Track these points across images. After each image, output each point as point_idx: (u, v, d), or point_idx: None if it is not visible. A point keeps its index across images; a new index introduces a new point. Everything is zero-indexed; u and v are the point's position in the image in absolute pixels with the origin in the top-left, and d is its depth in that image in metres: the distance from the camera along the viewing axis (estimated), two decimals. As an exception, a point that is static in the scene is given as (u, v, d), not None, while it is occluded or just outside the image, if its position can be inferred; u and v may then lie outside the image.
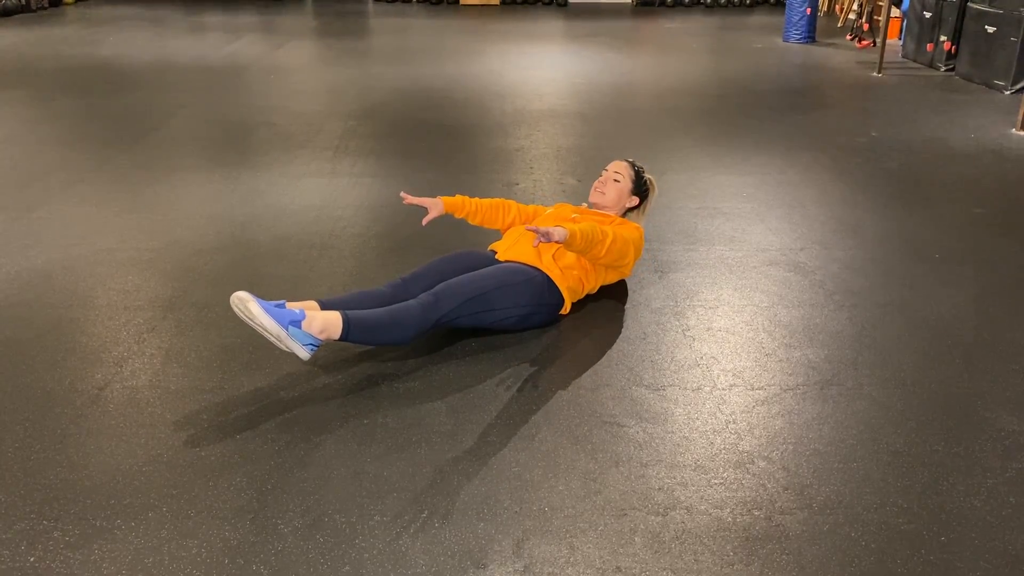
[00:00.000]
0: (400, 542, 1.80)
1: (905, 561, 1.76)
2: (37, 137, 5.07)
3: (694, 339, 2.69)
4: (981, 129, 5.43)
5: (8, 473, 2.02)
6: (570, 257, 2.77)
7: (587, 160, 4.67)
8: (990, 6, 6.68)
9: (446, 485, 1.98)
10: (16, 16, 10.57)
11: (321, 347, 2.47)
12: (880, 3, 8.77)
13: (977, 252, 3.41)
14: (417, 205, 2.92)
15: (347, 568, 1.74)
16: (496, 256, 2.80)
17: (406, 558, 1.76)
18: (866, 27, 9.11)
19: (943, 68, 7.42)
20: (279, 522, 1.86)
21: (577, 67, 7.56)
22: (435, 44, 8.84)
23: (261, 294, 2.68)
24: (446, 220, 3.07)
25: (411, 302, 2.48)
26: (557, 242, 2.48)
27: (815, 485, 2.00)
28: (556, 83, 6.83)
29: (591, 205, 3.03)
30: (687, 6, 12.53)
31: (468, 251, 2.80)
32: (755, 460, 2.09)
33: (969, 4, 7.00)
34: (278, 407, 2.29)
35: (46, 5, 11.37)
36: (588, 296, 2.91)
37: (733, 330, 2.75)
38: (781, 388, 2.41)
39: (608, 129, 5.40)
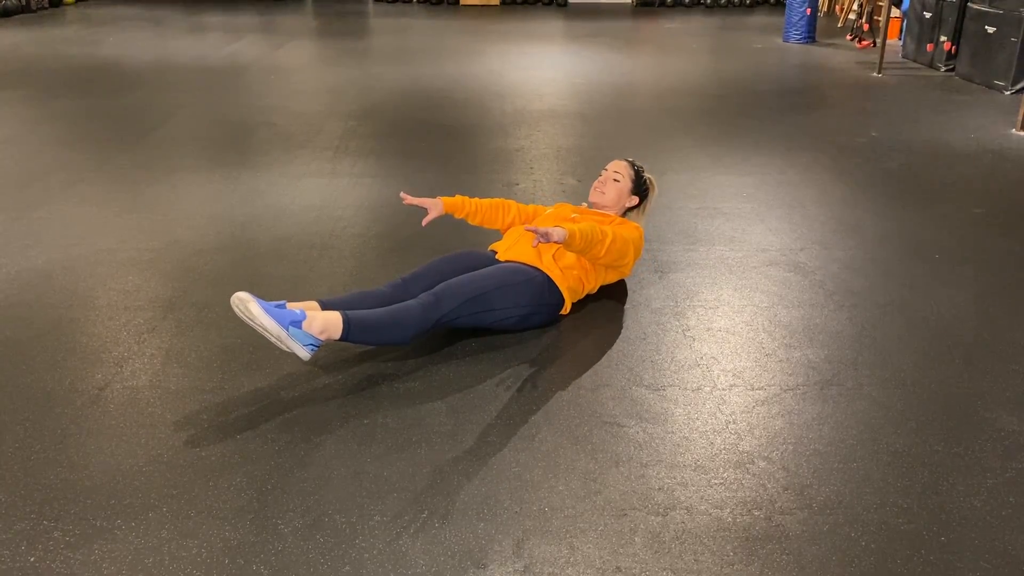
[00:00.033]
0: (400, 542, 1.81)
1: (905, 561, 1.77)
2: (37, 137, 5.07)
3: (694, 339, 2.69)
4: (981, 129, 5.43)
5: (8, 473, 2.02)
6: (570, 257, 2.77)
7: (587, 160, 4.67)
8: (990, 6, 6.68)
9: (446, 485, 1.98)
10: (16, 16, 10.58)
11: (321, 347, 2.47)
12: (880, 3, 8.77)
13: (977, 252, 3.41)
14: (417, 205, 2.92)
15: (347, 568, 1.74)
16: (496, 256, 2.80)
17: (406, 558, 1.76)
18: (866, 27, 9.11)
19: (943, 68, 7.42)
20: (279, 522, 1.86)
21: (577, 67, 7.56)
22: (435, 44, 8.84)
23: (261, 294, 2.69)
24: (446, 220, 3.07)
25: (411, 302, 2.48)
26: (556, 242, 2.48)
27: (815, 485, 2.00)
28: (556, 83, 6.83)
29: (591, 205, 3.03)
30: (687, 6, 12.54)
31: (468, 251, 2.80)
32: (755, 460, 2.09)
33: (969, 4, 7.00)
34: (278, 407, 2.29)
35: (46, 5, 11.37)
36: (588, 296, 2.91)
37: (733, 330, 2.75)
38: (781, 388, 2.41)
39: (608, 129, 5.40)
